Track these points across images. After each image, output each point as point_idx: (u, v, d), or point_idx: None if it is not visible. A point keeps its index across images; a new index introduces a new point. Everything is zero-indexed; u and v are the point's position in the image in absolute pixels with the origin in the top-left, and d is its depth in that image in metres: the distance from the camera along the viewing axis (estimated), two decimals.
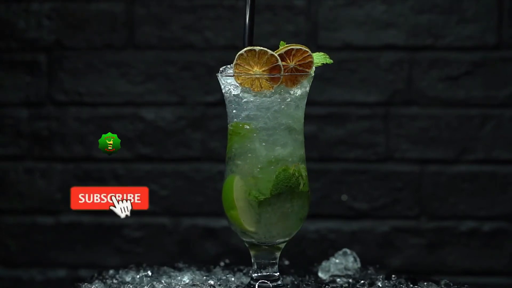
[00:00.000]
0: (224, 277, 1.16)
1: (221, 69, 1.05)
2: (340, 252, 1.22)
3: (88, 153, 1.62)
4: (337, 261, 1.21)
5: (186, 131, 1.61)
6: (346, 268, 1.20)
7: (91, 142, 1.62)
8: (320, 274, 1.20)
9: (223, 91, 1.05)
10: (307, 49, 1.03)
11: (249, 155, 1.04)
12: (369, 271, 1.20)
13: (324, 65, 1.59)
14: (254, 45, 1.02)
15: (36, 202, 1.64)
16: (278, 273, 1.07)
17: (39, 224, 1.64)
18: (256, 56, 1.01)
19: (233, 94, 1.04)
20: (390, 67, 1.58)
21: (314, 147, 1.59)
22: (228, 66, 1.05)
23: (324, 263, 1.20)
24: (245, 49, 1.02)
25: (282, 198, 1.04)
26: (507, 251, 1.59)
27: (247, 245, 1.08)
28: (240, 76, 1.02)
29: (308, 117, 1.59)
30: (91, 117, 1.62)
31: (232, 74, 1.03)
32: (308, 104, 1.60)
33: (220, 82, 1.05)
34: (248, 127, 1.04)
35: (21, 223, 1.65)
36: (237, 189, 1.04)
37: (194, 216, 1.62)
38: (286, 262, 1.24)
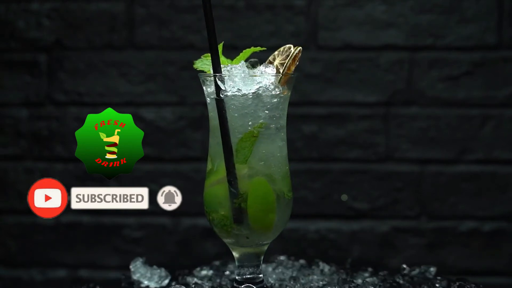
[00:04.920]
0: (207, 279, 1.15)
1: (219, 73, 1.04)
2: (136, 264, 1.19)
3: None
4: (141, 272, 1.19)
5: (186, 131, 1.61)
6: (145, 273, 1.18)
7: None
8: (147, 282, 1.17)
9: (254, 91, 1.00)
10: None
11: (278, 155, 1.02)
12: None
13: (324, 65, 1.60)
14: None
15: None
16: (261, 275, 1.06)
17: (39, 224, 1.64)
18: (298, 55, 1.01)
19: (272, 94, 1.00)
20: (390, 67, 1.58)
21: (314, 147, 1.59)
22: (225, 67, 1.04)
23: (136, 276, 1.18)
24: (299, 48, 1.01)
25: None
26: (507, 251, 1.59)
27: (231, 248, 1.07)
28: (288, 75, 1.01)
29: (308, 117, 1.60)
30: None
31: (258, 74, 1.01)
32: (308, 104, 1.60)
33: (250, 82, 1.00)
34: (274, 126, 1.02)
35: (21, 223, 1.65)
36: (272, 190, 1.02)
37: (194, 216, 1.62)
38: None
